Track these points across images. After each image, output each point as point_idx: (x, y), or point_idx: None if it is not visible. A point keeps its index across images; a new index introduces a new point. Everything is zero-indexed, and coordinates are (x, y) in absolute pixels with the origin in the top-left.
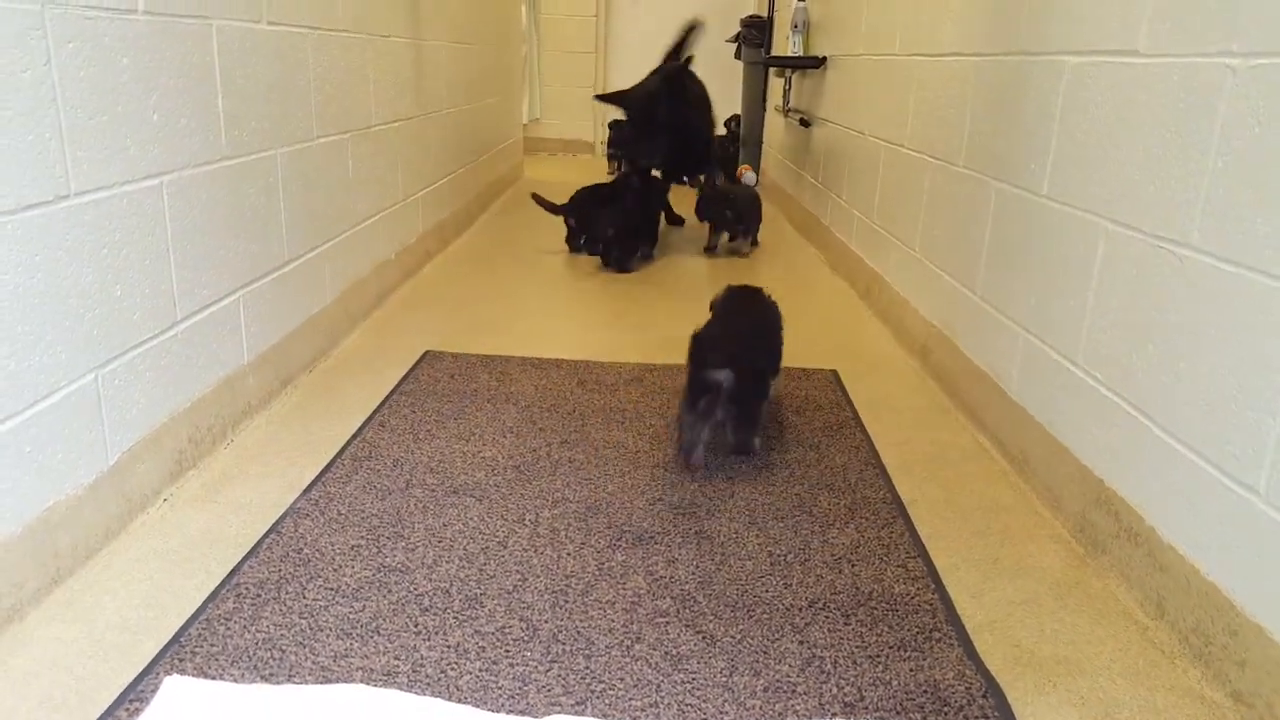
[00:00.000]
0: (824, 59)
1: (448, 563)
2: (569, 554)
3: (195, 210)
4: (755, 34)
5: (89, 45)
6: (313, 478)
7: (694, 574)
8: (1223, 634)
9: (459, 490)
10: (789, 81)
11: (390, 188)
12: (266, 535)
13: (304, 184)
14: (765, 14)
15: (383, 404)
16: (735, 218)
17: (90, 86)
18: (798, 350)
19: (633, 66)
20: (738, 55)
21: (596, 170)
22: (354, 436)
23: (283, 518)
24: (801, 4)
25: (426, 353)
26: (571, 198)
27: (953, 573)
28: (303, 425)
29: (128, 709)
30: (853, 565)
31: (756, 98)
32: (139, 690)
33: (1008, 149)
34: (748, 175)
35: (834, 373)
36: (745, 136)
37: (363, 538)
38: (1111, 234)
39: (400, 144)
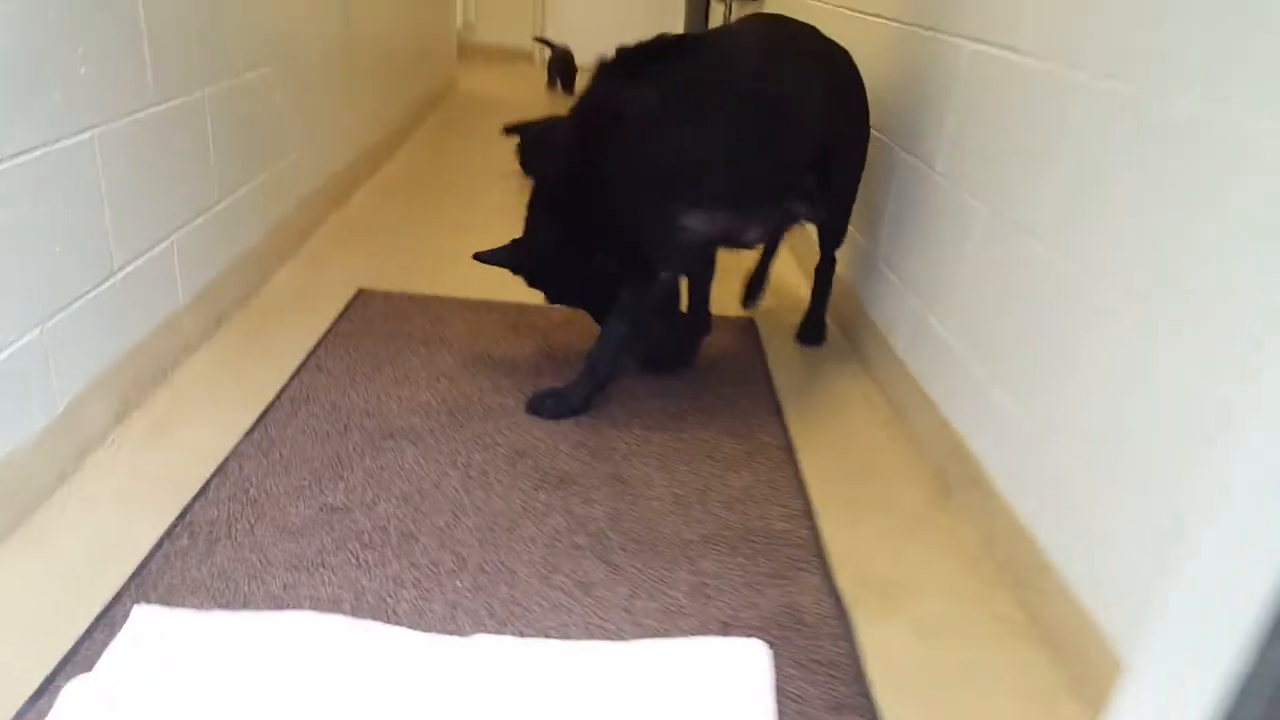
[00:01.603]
0: None
1: (385, 502)
2: (497, 494)
3: (127, 160)
4: None
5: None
6: (253, 421)
7: (607, 513)
8: (1028, 569)
9: (395, 434)
10: (729, 8)
11: (316, 113)
12: (213, 476)
13: (232, 120)
14: None
15: (318, 346)
16: None
17: (17, 42)
18: (718, 296)
19: None
20: None
21: (535, 82)
22: (291, 379)
23: (227, 459)
24: None
25: (359, 291)
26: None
27: (826, 510)
28: (240, 366)
29: (101, 634)
30: (744, 505)
31: (698, 25)
32: (109, 617)
33: (913, 122)
34: None
35: (751, 321)
36: None
37: (305, 479)
38: (986, 219)
39: (327, 67)
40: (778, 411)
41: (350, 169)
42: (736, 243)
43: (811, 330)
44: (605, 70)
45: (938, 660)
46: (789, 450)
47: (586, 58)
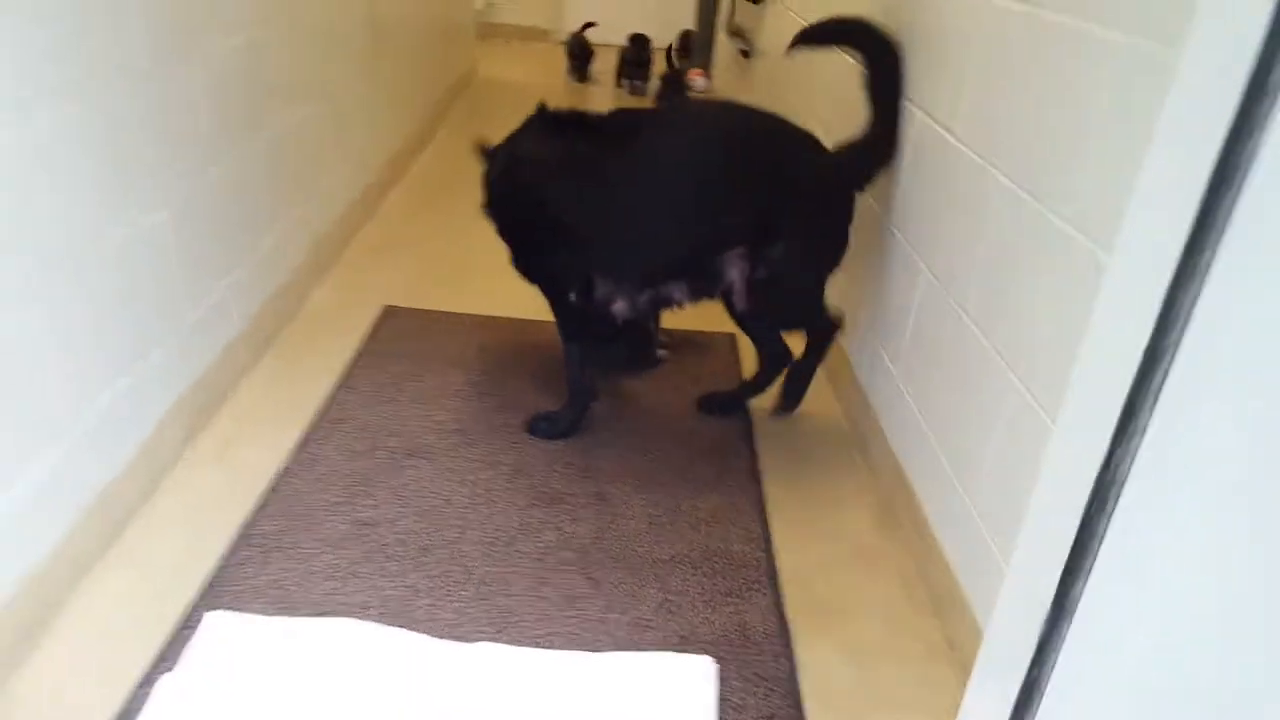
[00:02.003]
0: None
1: (405, 518)
2: (498, 511)
3: (194, 225)
4: None
5: None
6: (298, 440)
7: (591, 530)
8: (947, 597)
9: (414, 453)
10: (733, 5)
11: (352, 129)
12: (267, 494)
13: (279, 160)
14: None
15: (350, 366)
16: None
17: None
18: (704, 311)
19: None
20: None
21: (553, 63)
22: (328, 400)
23: (278, 477)
24: None
25: (386, 309)
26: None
27: (782, 533)
28: (286, 386)
29: (183, 636)
30: (709, 526)
31: (708, 5)
32: (189, 622)
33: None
34: (698, 80)
35: (731, 338)
36: (697, 39)
37: (340, 496)
38: (928, 276)
39: (359, 77)
40: (749, 434)
41: (380, 176)
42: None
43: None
44: (531, 121)
45: (865, 679)
46: (755, 474)
47: (608, 39)
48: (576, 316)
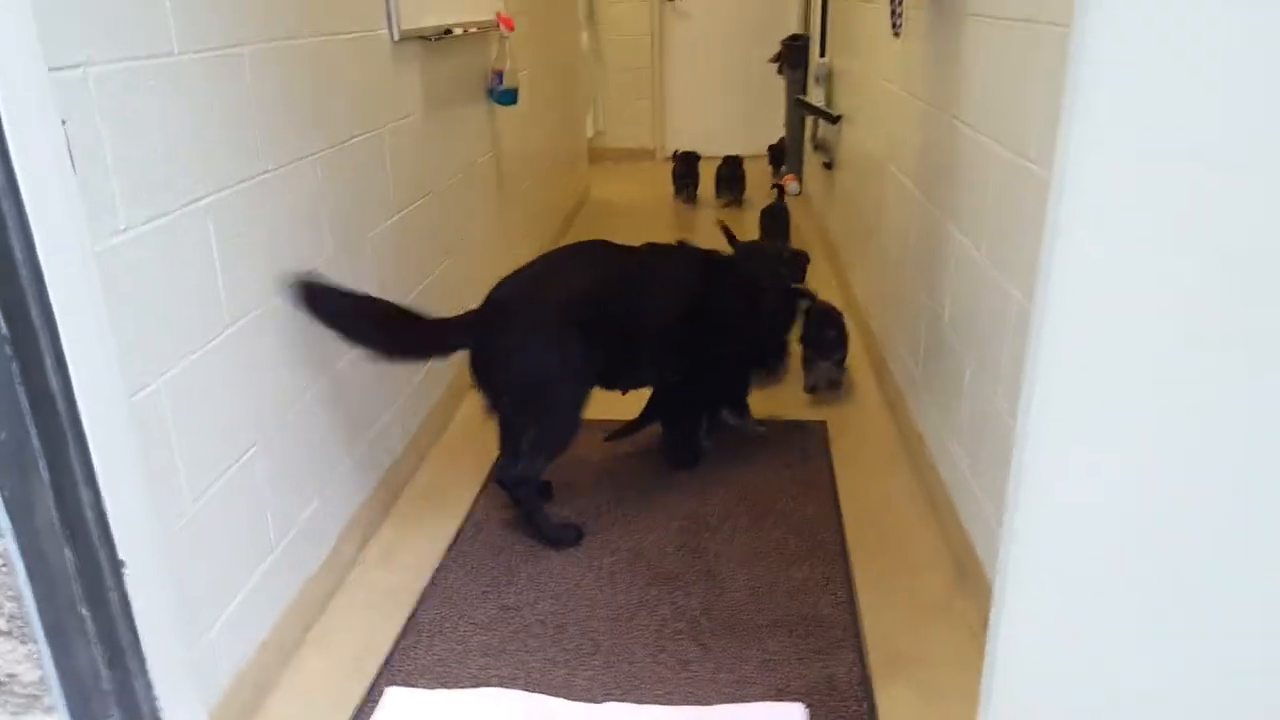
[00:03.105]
0: (839, 117)
1: (542, 601)
2: (620, 590)
3: (362, 372)
4: (795, 54)
5: None
6: (451, 539)
7: (700, 603)
8: None
9: (546, 545)
10: (816, 122)
11: (482, 265)
12: (427, 587)
13: (424, 304)
14: (806, 32)
15: (489, 474)
16: (838, 338)
17: None
18: (788, 399)
19: (685, 77)
20: (780, 73)
21: (660, 179)
22: (473, 504)
23: (436, 572)
24: (823, 59)
25: None
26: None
27: (866, 596)
28: (439, 495)
29: (368, 709)
30: (802, 594)
31: (797, 116)
32: (372, 696)
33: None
34: (792, 185)
35: (823, 425)
36: (789, 149)
37: (487, 585)
38: (975, 366)
39: (486, 225)
40: (837, 513)
41: None
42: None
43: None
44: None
45: (937, 716)
46: (842, 545)
47: (706, 152)
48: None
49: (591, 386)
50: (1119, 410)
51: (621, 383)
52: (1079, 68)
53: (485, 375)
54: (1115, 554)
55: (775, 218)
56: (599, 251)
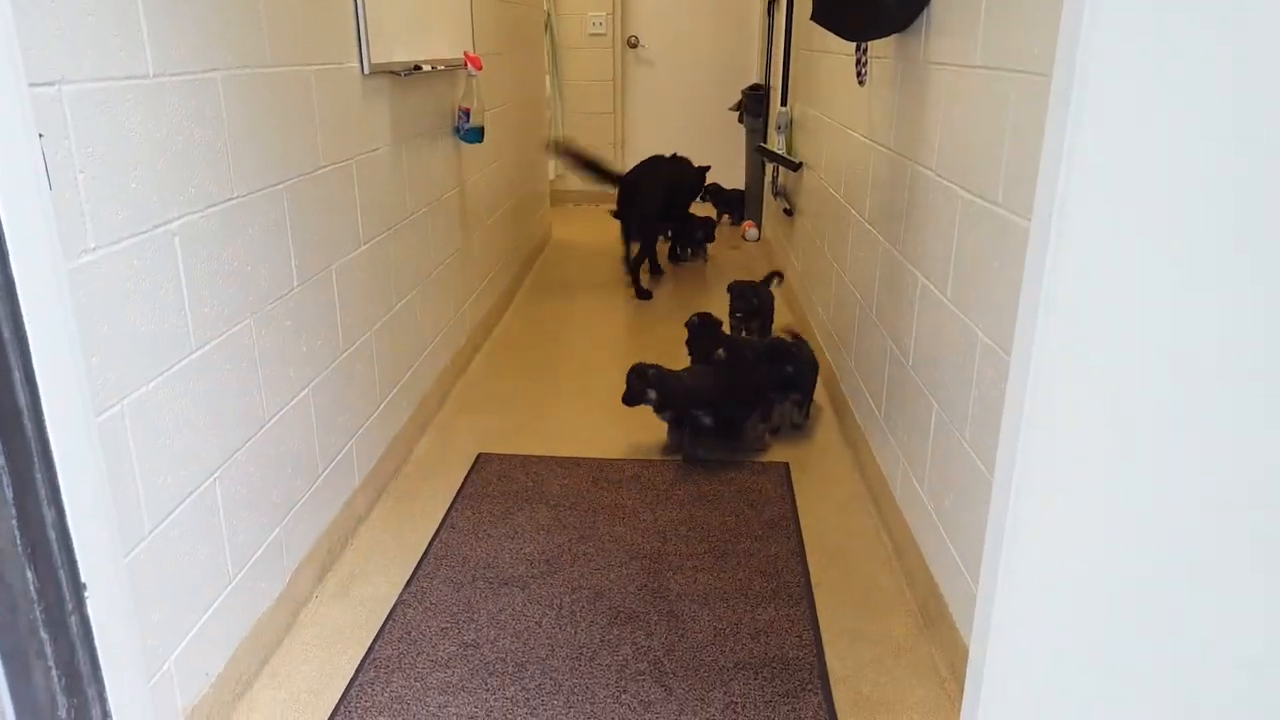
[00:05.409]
0: (800, 164)
1: (503, 639)
2: (582, 630)
3: (328, 398)
4: (755, 103)
5: None
6: (408, 575)
7: (663, 644)
8: None
9: (508, 582)
10: (776, 169)
11: (445, 305)
12: (386, 622)
13: (389, 346)
14: (766, 83)
15: (450, 507)
16: (794, 376)
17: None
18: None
19: (647, 122)
20: (740, 121)
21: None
22: (433, 538)
23: (394, 608)
24: (784, 108)
25: (479, 455)
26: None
27: (831, 639)
28: (397, 530)
29: None
30: (767, 636)
31: (758, 163)
32: None
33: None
34: (750, 231)
35: (785, 466)
36: (749, 195)
37: (447, 622)
38: (939, 415)
39: (449, 261)
40: (801, 554)
41: (472, 339)
42: None
43: None
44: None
45: None
46: (806, 586)
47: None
48: None
49: None
50: (1099, 469)
51: None
52: (1062, 115)
53: None
54: (1099, 619)
55: None
56: None
